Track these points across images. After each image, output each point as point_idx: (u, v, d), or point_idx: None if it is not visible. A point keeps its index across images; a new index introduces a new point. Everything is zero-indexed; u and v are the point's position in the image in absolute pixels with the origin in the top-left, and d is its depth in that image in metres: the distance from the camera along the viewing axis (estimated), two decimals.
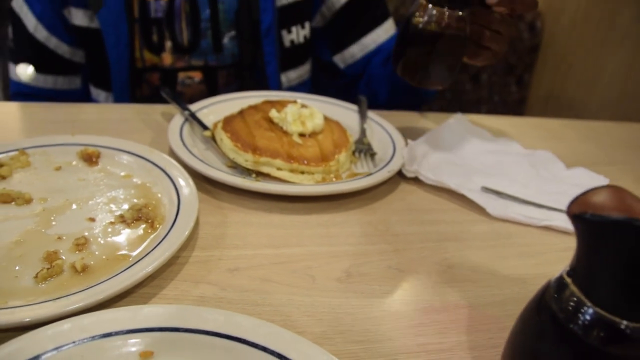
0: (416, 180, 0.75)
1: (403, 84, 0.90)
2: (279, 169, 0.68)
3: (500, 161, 0.84)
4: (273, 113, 0.74)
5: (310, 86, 1.14)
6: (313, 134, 0.73)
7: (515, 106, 1.75)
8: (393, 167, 0.71)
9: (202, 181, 0.67)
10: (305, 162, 0.68)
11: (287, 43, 1.03)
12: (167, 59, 0.98)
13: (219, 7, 0.97)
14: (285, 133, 0.72)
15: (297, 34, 1.04)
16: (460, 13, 0.71)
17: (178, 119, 0.77)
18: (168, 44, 0.97)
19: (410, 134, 0.87)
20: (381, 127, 0.82)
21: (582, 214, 0.36)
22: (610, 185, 0.38)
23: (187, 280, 0.53)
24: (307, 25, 1.06)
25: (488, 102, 1.72)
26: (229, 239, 0.60)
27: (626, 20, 1.34)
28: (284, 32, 1.02)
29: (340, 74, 1.13)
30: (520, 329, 0.44)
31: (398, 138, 0.79)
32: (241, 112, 0.76)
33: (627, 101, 1.33)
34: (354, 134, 0.81)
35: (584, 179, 0.85)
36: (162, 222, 0.58)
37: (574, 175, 0.85)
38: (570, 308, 0.39)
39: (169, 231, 0.55)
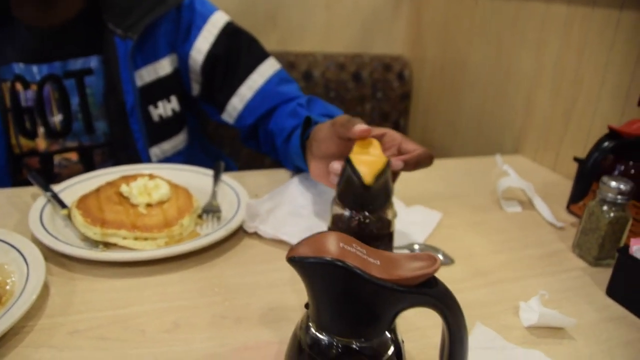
0: (259, 235, 0.84)
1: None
2: (124, 238, 0.76)
3: None
4: (122, 188, 0.83)
5: (187, 155, 1.22)
6: (160, 203, 0.83)
7: None
8: (231, 226, 0.80)
9: (58, 256, 0.75)
10: (148, 229, 0.77)
11: (155, 118, 1.11)
12: (41, 143, 1.05)
13: (87, 91, 1.05)
14: (133, 205, 0.81)
15: (165, 108, 1.12)
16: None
17: (41, 200, 0.85)
18: (41, 129, 1.04)
19: (263, 191, 0.97)
20: (231, 189, 0.92)
21: (292, 257, 0.45)
22: (333, 232, 0.48)
23: (29, 346, 0.60)
24: (173, 98, 1.14)
25: None
26: (75, 306, 0.67)
27: (475, 65, 1.50)
28: (151, 108, 1.10)
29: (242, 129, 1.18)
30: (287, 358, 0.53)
31: (244, 198, 0.89)
32: (97, 190, 0.85)
33: (482, 137, 1.48)
34: (206, 197, 0.91)
35: (419, 215, 0.96)
36: (10, 297, 0.66)
37: (411, 212, 0.97)
38: (309, 337, 0.49)
39: (13, 304, 0.63)
